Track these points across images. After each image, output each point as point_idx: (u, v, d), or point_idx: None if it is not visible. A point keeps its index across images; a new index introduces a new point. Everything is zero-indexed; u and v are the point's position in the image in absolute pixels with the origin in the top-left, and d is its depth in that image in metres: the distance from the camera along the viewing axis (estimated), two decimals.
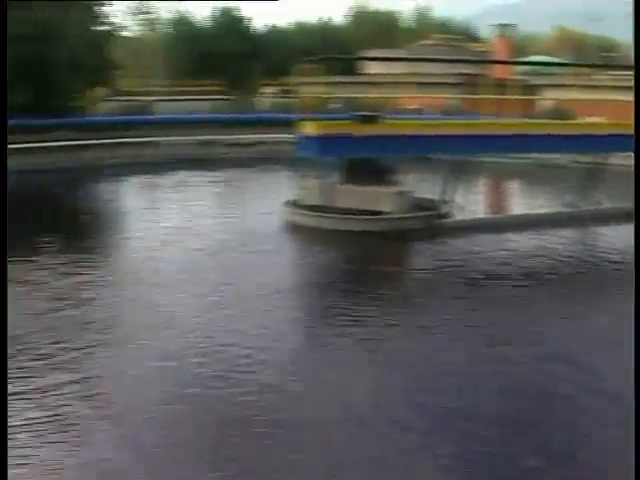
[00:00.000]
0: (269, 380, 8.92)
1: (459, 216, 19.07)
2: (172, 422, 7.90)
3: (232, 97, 43.36)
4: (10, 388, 8.22)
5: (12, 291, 12.32)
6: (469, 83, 36.39)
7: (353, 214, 18.03)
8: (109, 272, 14.34)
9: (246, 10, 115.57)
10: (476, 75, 37.06)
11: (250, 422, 7.80)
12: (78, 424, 7.85)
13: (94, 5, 38.69)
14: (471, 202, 20.89)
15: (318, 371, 9.58)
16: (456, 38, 55.97)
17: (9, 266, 13.90)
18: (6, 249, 7.67)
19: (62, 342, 10.16)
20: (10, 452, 7.03)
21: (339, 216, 18.05)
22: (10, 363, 9.39)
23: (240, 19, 54.08)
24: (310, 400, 8.51)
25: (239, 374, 9.04)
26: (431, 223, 18.39)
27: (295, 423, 7.91)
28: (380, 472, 6.94)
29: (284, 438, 7.56)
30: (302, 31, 62.96)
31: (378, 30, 62.95)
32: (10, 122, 28.01)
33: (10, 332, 10.08)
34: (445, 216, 18.94)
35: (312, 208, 18.71)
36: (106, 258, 15.98)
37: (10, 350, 9.96)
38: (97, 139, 32.48)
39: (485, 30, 65.80)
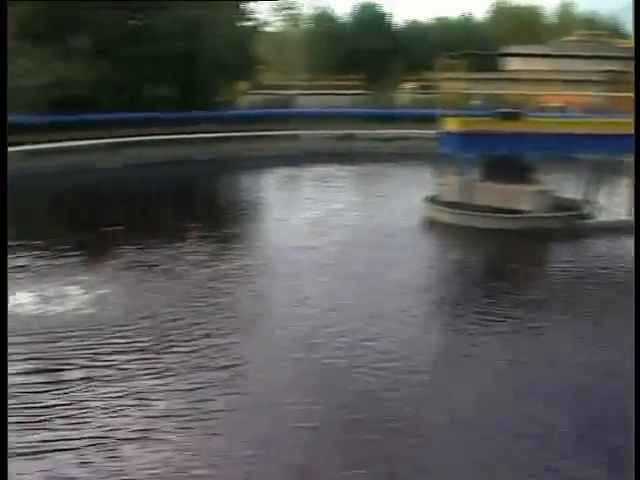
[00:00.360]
0: (411, 378, 9.00)
1: (601, 217, 18.65)
2: (310, 416, 8.01)
3: (371, 92, 43.69)
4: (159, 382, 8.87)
5: (156, 279, 13.22)
6: (614, 80, 35.18)
7: (492, 212, 17.99)
8: (250, 262, 14.81)
9: (387, 6, 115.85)
10: (622, 72, 35.76)
11: (391, 420, 7.89)
12: (217, 415, 8.10)
13: (240, 3, 40.13)
14: (614, 203, 20.40)
15: (460, 369, 9.59)
16: (601, 34, 54.07)
17: (153, 253, 14.97)
18: (6, 249, 7.76)
19: (206, 330, 10.63)
20: (151, 435, 7.61)
21: (478, 213, 18.05)
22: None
23: (381, 14, 54.46)
24: (450, 400, 8.53)
25: (379, 370, 9.17)
26: (572, 223, 18.08)
27: (438, 423, 7.99)
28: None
29: (435, 439, 7.66)
30: (442, 26, 62.52)
31: (520, 26, 61.76)
32: (158, 115, 29.80)
33: (154, 321, 10.94)
34: (587, 217, 18.57)
35: (451, 205, 18.79)
36: (247, 248, 16.53)
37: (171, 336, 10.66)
38: (239, 132, 33.57)
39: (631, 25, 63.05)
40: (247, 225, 20.13)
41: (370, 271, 14.04)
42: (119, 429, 7.66)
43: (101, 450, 7.24)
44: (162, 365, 9.35)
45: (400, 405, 8.29)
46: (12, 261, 14.59)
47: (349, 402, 8.32)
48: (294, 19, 55.03)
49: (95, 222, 18.93)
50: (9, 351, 9.73)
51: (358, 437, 7.60)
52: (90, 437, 7.49)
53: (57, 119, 32.00)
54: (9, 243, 16.41)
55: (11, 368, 9.00)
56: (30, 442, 7.33)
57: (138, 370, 9.20)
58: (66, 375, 9.05)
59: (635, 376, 6.35)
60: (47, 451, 7.20)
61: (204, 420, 7.95)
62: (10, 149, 27.48)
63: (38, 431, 7.59)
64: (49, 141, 29.58)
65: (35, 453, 7.15)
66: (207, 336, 10.42)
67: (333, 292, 12.63)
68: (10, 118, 29.01)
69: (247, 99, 42.70)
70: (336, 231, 17.38)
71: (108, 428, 7.69)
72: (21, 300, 11.79)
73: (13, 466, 6.63)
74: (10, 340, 10.08)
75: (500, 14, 68.02)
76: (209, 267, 14.14)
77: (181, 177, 28.59)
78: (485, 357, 9.90)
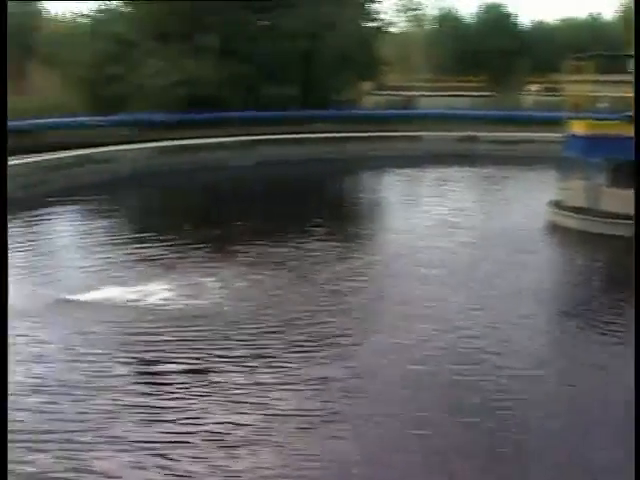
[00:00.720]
0: (543, 387, 9.01)
1: None
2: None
3: (495, 94, 43.23)
4: (280, 377, 9.16)
5: (282, 276, 13.67)
6: None
7: (619, 218, 17.62)
8: (375, 262, 15.20)
9: (512, 6, 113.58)
10: None
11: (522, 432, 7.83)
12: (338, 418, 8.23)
13: (365, 2, 40.58)
14: None
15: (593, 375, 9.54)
16: None
17: (280, 250, 15.45)
18: (6, 249, 7.88)
19: (332, 330, 10.92)
20: (270, 436, 7.74)
21: (604, 220, 17.83)
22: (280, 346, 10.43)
23: (506, 15, 53.74)
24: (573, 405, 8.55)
25: (506, 380, 9.12)
26: None
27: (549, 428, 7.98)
28: None
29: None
30: (569, 27, 60.94)
31: None
32: (284, 114, 30.57)
33: (281, 319, 11.28)
34: None
35: (576, 210, 18.60)
36: (372, 248, 17.00)
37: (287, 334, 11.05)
38: (363, 132, 33.94)
39: None
40: (371, 224, 20.57)
41: (496, 275, 14.05)
42: (239, 428, 7.81)
43: (220, 447, 7.41)
44: (285, 365, 9.53)
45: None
46: (145, 251, 15.72)
47: (471, 412, 8.31)
48: (418, 20, 55.06)
49: (225, 218, 19.77)
50: (138, 339, 10.49)
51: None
52: (209, 433, 7.67)
53: (186, 117, 33.44)
54: (142, 235, 17.67)
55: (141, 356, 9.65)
56: (149, 437, 7.58)
57: (260, 369, 9.39)
58: (188, 370, 9.35)
59: (635, 376, 6.39)
60: (166, 447, 7.40)
61: (324, 423, 8.06)
62: (142, 146, 29.24)
63: (156, 426, 7.86)
64: (179, 138, 30.87)
65: (153, 449, 7.36)
66: (333, 336, 10.63)
67: (461, 295, 12.78)
68: (141, 116, 30.64)
69: (370, 99, 43.08)
70: (459, 233, 17.56)
71: (228, 426, 7.83)
72: (149, 290, 12.49)
73: (133, 460, 7.08)
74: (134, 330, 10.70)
75: (630, 14, 65.65)
76: (334, 265, 14.56)
77: (307, 175, 29.31)
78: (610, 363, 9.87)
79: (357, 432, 7.87)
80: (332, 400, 8.59)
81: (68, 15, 53.31)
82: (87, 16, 41.52)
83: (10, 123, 28.21)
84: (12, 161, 24.08)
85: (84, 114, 34.86)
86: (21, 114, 32.51)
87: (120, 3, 40.68)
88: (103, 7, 40.88)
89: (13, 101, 40.03)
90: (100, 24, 39.94)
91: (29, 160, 24.75)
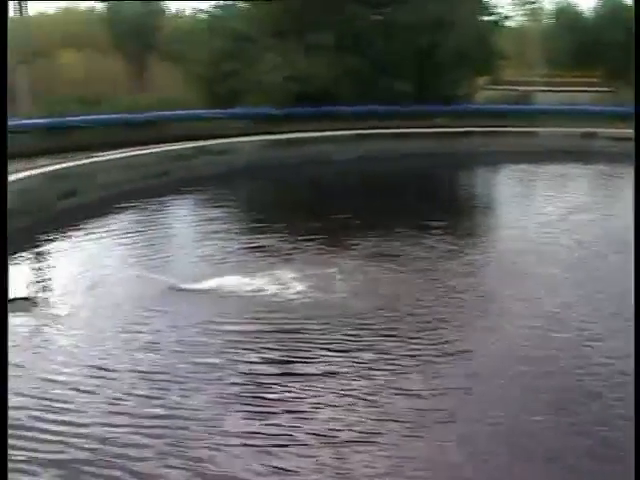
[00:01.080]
0: None
1: None
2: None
3: (614, 89, 41.85)
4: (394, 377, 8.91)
5: (394, 271, 13.52)
6: None
7: None
8: (489, 258, 14.91)
9: None
10: None
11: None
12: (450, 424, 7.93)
13: None
14: None
15: None
16: None
17: (391, 244, 15.43)
18: (6, 249, 7.83)
19: (447, 330, 10.64)
20: (378, 438, 7.49)
21: None
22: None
23: (625, 7, 51.83)
24: None
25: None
26: None
27: None
28: None
29: None
30: None
31: None
32: (396, 109, 30.78)
33: (398, 315, 11.12)
34: None
35: None
36: (487, 244, 16.58)
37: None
38: (477, 127, 33.51)
39: None
40: (486, 220, 20.27)
41: (617, 279, 13.26)
42: (346, 427, 7.66)
43: (326, 446, 7.29)
44: (399, 365, 9.33)
45: None
46: (259, 241, 16.07)
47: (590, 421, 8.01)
48: (535, 13, 53.72)
49: (334, 210, 19.78)
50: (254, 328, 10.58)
51: None
52: (315, 433, 7.54)
53: (297, 111, 33.88)
54: (253, 225, 18.05)
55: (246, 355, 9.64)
56: (253, 433, 7.51)
57: (374, 368, 9.19)
58: (300, 366, 9.27)
59: (635, 376, 6.33)
60: (270, 444, 7.32)
61: (439, 424, 7.85)
62: (254, 138, 30.04)
63: (265, 419, 7.80)
64: (290, 132, 31.32)
65: (257, 445, 7.30)
66: (449, 336, 10.41)
67: (579, 294, 12.43)
68: (255, 110, 31.59)
69: (485, 94, 42.48)
70: (576, 231, 17.12)
71: (336, 425, 7.70)
72: (267, 280, 12.51)
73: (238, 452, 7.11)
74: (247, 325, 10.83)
75: None
76: (448, 262, 14.37)
77: (417, 170, 29.12)
78: None
79: (471, 435, 7.65)
80: (445, 401, 8.40)
81: (188, 12, 55.15)
82: (206, 12, 42.68)
83: (133, 116, 29.63)
84: (135, 152, 25.21)
85: (201, 108, 35.93)
86: (144, 108, 33.87)
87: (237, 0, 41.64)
88: (221, 3, 41.93)
89: (136, 97, 42.00)
90: (217, 20, 40.98)
91: (151, 151, 25.70)
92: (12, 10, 32.57)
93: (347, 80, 35.35)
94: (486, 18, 39.66)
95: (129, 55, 49.67)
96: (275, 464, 7.00)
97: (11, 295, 11.53)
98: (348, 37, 35.78)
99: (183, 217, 20.46)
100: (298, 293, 12.02)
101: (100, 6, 54.32)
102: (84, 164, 22.62)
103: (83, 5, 56.19)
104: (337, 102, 34.49)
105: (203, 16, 43.79)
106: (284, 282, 12.50)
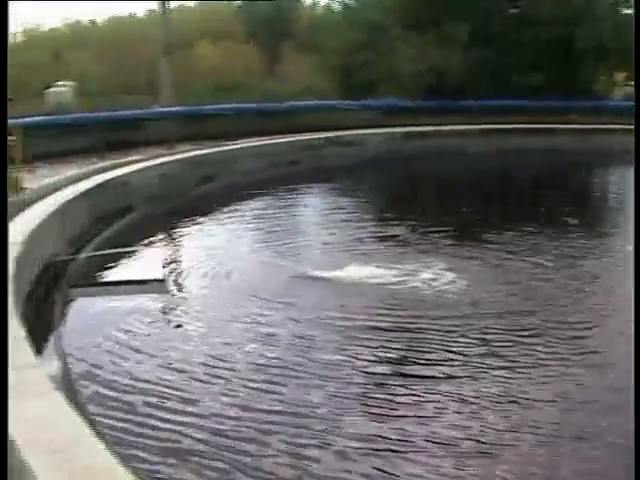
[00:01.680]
0: None
1: None
2: None
3: None
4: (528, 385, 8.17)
5: (518, 267, 12.94)
6: None
7: None
8: (619, 263, 13.91)
9: None
10: None
11: None
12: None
13: None
14: None
15: None
16: None
17: (523, 240, 14.78)
18: (7, 248, 7.63)
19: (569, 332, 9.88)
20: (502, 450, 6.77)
21: None
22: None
23: None
24: None
25: None
26: None
27: None
28: None
29: None
30: None
31: None
32: (528, 103, 29.91)
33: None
34: None
35: None
36: (621, 244, 15.37)
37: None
38: (611, 124, 32.51)
39: None
40: (623, 219, 19.24)
41: None
42: (470, 436, 7.09)
43: (446, 456, 6.76)
44: (533, 373, 8.58)
45: None
46: (387, 231, 16.09)
47: None
48: None
49: (465, 203, 19.64)
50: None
51: None
52: (435, 441, 7.03)
53: (429, 104, 33.51)
54: (389, 215, 17.87)
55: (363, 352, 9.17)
56: (371, 436, 7.09)
57: (504, 376, 8.48)
58: (424, 369, 8.69)
59: (635, 376, 5.79)
60: (386, 449, 6.87)
61: (573, 440, 7.12)
62: (384, 130, 29.97)
63: (385, 422, 7.35)
64: (420, 124, 31.22)
65: (374, 449, 6.85)
66: (567, 338, 9.68)
67: None
68: (387, 102, 31.83)
69: (623, 91, 40.48)
70: None
71: (460, 433, 7.15)
72: (399, 271, 12.12)
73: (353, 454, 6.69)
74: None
75: None
76: (585, 260, 13.84)
77: (551, 166, 28.52)
78: None
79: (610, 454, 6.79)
80: (579, 416, 7.63)
81: (323, 3, 55.50)
82: (341, 3, 42.80)
83: (268, 105, 30.42)
84: (267, 141, 25.59)
85: (334, 98, 36.07)
86: (278, 98, 34.40)
87: None
88: None
89: (271, 85, 43.06)
90: (352, 11, 40.96)
91: (282, 140, 26.01)
92: (157, 6, 33.81)
93: (482, 74, 34.63)
94: (626, 11, 37.81)
95: (264, 46, 50.53)
96: (390, 470, 6.52)
97: (147, 276, 12.04)
98: (483, 30, 35.00)
99: (312, 205, 20.68)
100: (430, 285, 11.47)
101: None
102: (219, 151, 23.24)
103: None
104: (470, 96, 33.87)
105: (338, 7, 43.96)
106: (416, 273, 11.97)
